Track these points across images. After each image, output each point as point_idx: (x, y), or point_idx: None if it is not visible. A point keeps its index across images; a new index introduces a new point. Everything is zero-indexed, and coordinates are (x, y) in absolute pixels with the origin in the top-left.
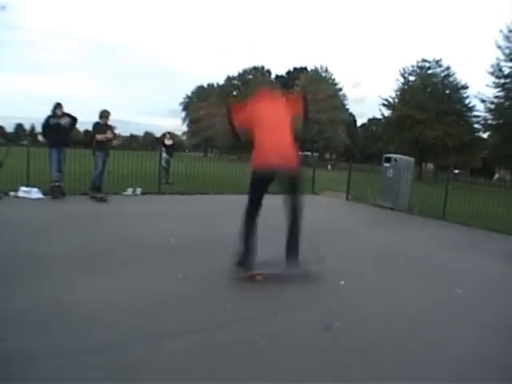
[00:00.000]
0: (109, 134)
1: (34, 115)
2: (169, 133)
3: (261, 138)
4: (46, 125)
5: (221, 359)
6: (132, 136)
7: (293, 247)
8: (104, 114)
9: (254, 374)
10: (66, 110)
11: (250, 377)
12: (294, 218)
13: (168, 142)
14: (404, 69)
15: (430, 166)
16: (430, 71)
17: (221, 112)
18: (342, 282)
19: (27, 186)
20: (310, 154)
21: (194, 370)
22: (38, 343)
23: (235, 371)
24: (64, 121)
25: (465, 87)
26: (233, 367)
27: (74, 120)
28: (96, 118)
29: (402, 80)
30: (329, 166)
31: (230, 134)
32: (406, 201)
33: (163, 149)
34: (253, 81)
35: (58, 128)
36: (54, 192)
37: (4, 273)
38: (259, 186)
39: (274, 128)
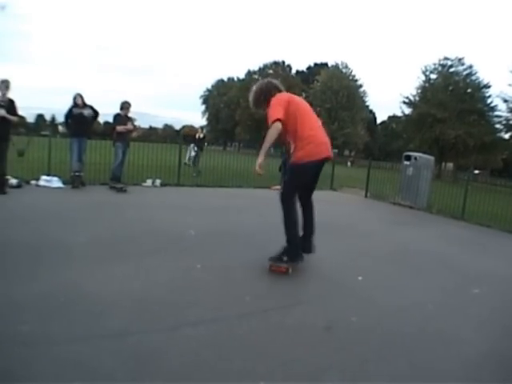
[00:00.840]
0: (129, 126)
1: (55, 106)
2: (201, 127)
3: (310, 131)
4: (69, 114)
5: (238, 350)
6: (151, 128)
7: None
8: (125, 106)
9: (270, 366)
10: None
11: (266, 368)
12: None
13: (200, 135)
14: (426, 67)
15: (450, 165)
16: (452, 69)
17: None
18: (360, 278)
19: (48, 175)
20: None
21: (211, 359)
22: (58, 328)
23: (251, 362)
24: (87, 112)
25: (487, 86)
26: (249, 358)
27: (95, 113)
28: (116, 110)
29: (423, 78)
30: (348, 163)
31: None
32: (425, 199)
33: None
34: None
35: (81, 118)
36: (75, 181)
37: (25, 259)
38: (310, 177)
39: (316, 121)
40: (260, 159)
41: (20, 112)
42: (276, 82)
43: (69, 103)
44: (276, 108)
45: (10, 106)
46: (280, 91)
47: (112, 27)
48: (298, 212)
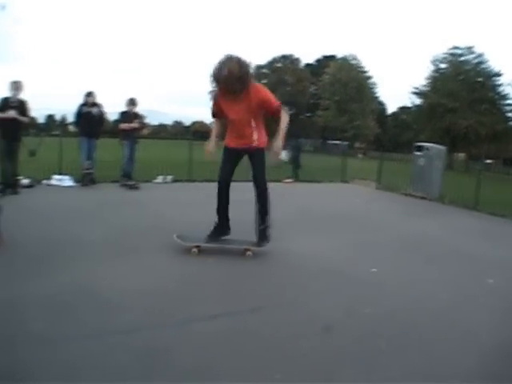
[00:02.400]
0: (134, 124)
1: (64, 106)
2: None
3: None
4: (78, 113)
5: (252, 344)
6: (161, 125)
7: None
8: (131, 103)
9: (286, 359)
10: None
11: (282, 361)
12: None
13: None
14: (435, 56)
15: (462, 155)
16: (461, 58)
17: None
18: (374, 270)
19: (59, 174)
20: (339, 142)
21: (225, 353)
22: (69, 325)
23: (266, 355)
24: (95, 110)
25: (498, 74)
26: (264, 352)
27: (102, 113)
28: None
29: (433, 68)
30: (359, 155)
31: None
32: (438, 190)
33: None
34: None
35: (89, 117)
36: (85, 179)
37: (36, 257)
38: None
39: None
40: (279, 142)
41: (31, 113)
42: None
43: (78, 104)
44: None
45: (22, 106)
46: None
47: (121, 25)
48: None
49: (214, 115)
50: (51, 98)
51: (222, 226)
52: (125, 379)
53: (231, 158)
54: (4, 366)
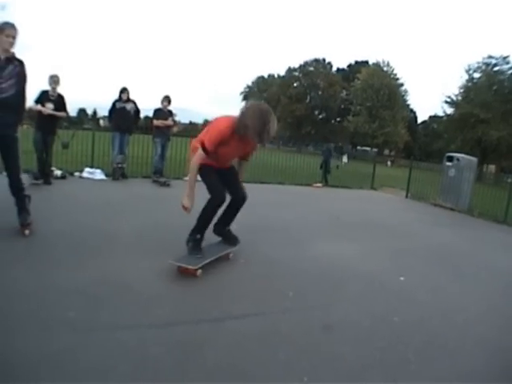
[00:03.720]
0: (169, 121)
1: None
2: None
3: None
4: (112, 108)
5: (281, 345)
6: (191, 123)
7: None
8: (165, 100)
9: (313, 362)
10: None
11: (309, 364)
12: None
13: None
14: (469, 65)
15: (492, 167)
16: (496, 68)
17: None
18: (402, 278)
19: (91, 167)
20: (369, 149)
21: (256, 352)
22: (102, 316)
23: (295, 357)
24: (129, 106)
25: None
26: (293, 353)
27: (137, 110)
28: (158, 104)
29: (466, 77)
30: (388, 163)
31: None
32: (467, 202)
33: None
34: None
35: (123, 112)
36: (116, 173)
37: (70, 248)
38: None
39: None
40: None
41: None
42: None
43: (111, 98)
44: None
45: (60, 101)
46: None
47: (156, 21)
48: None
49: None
50: (82, 92)
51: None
52: (157, 372)
53: (216, 175)
54: (35, 353)
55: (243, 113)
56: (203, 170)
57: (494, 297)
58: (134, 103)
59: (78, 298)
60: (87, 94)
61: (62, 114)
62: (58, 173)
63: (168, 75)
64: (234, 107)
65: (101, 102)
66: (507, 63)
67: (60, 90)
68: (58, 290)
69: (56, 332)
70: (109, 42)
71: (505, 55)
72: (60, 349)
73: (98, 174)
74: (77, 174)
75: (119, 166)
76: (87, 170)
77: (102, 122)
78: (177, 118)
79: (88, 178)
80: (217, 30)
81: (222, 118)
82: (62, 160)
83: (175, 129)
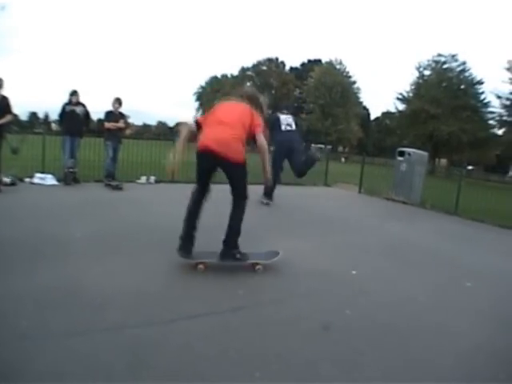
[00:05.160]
0: (120, 123)
1: (47, 104)
2: None
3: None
4: (62, 111)
5: (233, 342)
6: (145, 125)
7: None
8: (116, 102)
9: (265, 358)
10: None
11: (261, 360)
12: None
13: None
14: (419, 63)
15: (443, 161)
16: (445, 66)
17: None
18: (354, 272)
19: (42, 172)
20: (323, 146)
21: (207, 351)
22: (55, 322)
23: (247, 354)
24: (79, 109)
25: (480, 82)
26: (244, 350)
27: (87, 112)
28: (109, 107)
29: (417, 74)
30: (342, 159)
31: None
32: (419, 195)
33: None
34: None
35: (73, 115)
36: (67, 178)
37: (22, 255)
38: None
39: (219, 121)
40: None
41: (13, 110)
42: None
43: (61, 101)
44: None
45: (4, 103)
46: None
47: (106, 22)
48: (191, 204)
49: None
50: (33, 95)
51: None
52: (110, 377)
53: None
54: None
55: (254, 95)
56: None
57: (444, 286)
58: (84, 106)
59: (31, 305)
60: (38, 97)
61: (6, 118)
62: (7, 180)
63: (120, 77)
64: (187, 108)
65: (52, 105)
66: (456, 61)
67: (4, 92)
68: (10, 296)
69: (8, 341)
70: (60, 42)
71: (453, 53)
72: (11, 358)
73: (50, 180)
74: (27, 179)
75: (70, 170)
76: (38, 175)
77: (53, 125)
78: (130, 120)
79: (39, 184)
80: (168, 30)
81: (237, 103)
82: (11, 166)
83: (128, 131)
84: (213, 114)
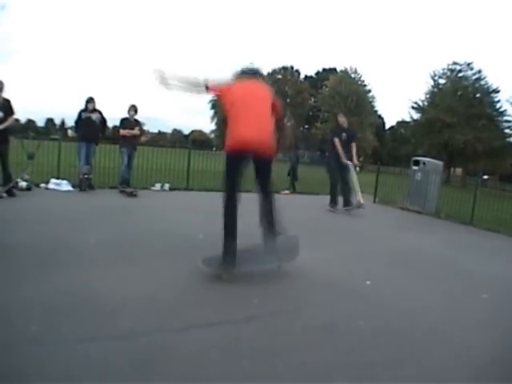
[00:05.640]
0: (135, 130)
1: (64, 110)
2: None
3: (235, 118)
4: (78, 118)
5: (245, 352)
6: (160, 133)
7: (268, 235)
8: (132, 109)
9: (277, 368)
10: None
11: (273, 370)
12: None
13: None
14: (434, 71)
15: (459, 170)
16: (460, 74)
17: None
18: (368, 282)
19: (57, 178)
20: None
21: (219, 361)
22: (66, 328)
23: (259, 364)
24: (95, 116)
25: (496, 91)
26: (257, 360)
27: (104, 120)
28: (126, 114)
29: (432, 83)
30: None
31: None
32: (434, 205)
33: None
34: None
35: (89, 122)
36: (82, 184)
37: (35, 260)
38: (234, 169)
39: (251, 107)
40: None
41: (30, 116)
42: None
43: (78, 108)
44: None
45: (6, 105)
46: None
47: (125, 30)
48: (229, 219)
49: None
50: (51, 102)
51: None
52: (120, 383)
53: None
54: None
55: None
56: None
57: (460, 297)
58: (100, 113)
59: (42, 311)
60: (55, 104)
61: (9, 121)
62: (23, 184)
63: (136, 84)
64: (203, 116)
65: (69, 112)
66: (471, 69)
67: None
68: (22, 302)
69: (19, 347)
70: (79, 49)
71: (469, 61)
72: (22, 364)
73: (65, 185)
74: (43, 185)
75: (86, 176)
76: (53, 181)
77: (70, 132)
78: (145, 128)
79: (54, 190)
80: (184, 38)
81: (257, 84)
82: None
83: (144, 138)
84: (238, 97)
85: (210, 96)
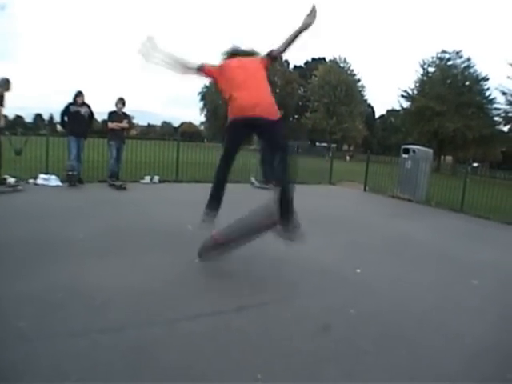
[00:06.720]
0: (124, 123)
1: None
2: None
3: (234, 90)
4: (66, 111)
5: (236, 343)
6: (150, 126)
7: (285, 210)
8: (120, 102)
9: (268, 358)
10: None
11: (264, 360)
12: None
13: None
14: (424, 60)
15: (449, 158)
16: (449, 62)
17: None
18: (358, 270)
19: (46, 173)
20: (327, 145)
21: (209, 352)
22: (55, 323)
23: (249, 354)
24: (84, 110)
25: (485, 79)
26: (247, 351)
27: (91, 113)
28: (114, 108)
29: (421, 71)
30: (347, 158)
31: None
32: (424, 192)
33: None
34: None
35: (78, 116)
36: (71, 180)
37: (25, 256)
38: (234, 137)
39: (246, 81)
40: None
41: (19, 112)
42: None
43: (66, 102)
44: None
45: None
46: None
47: (111, 22)
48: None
49: None
50: (39, 98)
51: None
52: (110, 377)
53: None
54: None
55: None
56: None
57: (450, 284)
58: (89, 107)
59: (31, 306)
60: (42, 99)
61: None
62: (11, 180)
63: (124, 77)
64: (192, 108)
65: (57, 107)
66: (460, 57)
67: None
68: (11, 297)
69: (8, 342)
70: (64, 43)
71: (458, 50)
72: (11, 359)
73: (54, 180)
74: (31, 180)
75: (70, 173)
76: (42, 176)
77: (58, 127)
78: (135, 121)
79: (43, 185)
80: (171, 29)
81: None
82: (15, 167)
83: (133, 131)
84: (232, 73)
85: (193, 78)
